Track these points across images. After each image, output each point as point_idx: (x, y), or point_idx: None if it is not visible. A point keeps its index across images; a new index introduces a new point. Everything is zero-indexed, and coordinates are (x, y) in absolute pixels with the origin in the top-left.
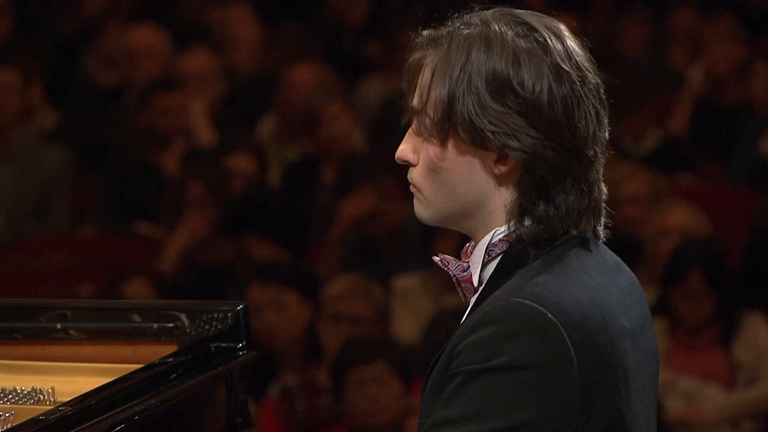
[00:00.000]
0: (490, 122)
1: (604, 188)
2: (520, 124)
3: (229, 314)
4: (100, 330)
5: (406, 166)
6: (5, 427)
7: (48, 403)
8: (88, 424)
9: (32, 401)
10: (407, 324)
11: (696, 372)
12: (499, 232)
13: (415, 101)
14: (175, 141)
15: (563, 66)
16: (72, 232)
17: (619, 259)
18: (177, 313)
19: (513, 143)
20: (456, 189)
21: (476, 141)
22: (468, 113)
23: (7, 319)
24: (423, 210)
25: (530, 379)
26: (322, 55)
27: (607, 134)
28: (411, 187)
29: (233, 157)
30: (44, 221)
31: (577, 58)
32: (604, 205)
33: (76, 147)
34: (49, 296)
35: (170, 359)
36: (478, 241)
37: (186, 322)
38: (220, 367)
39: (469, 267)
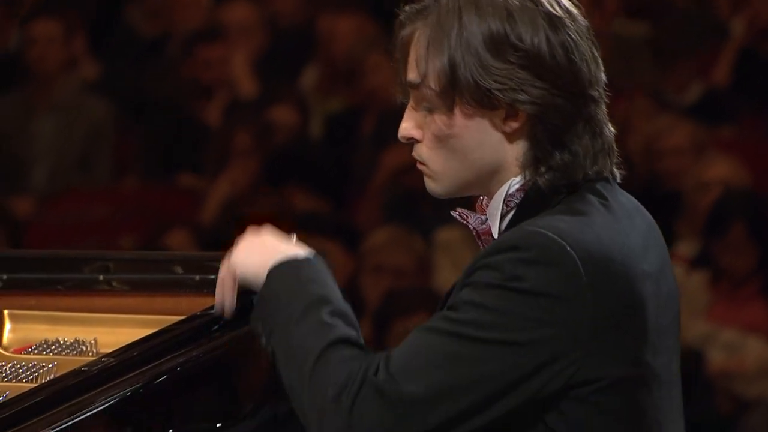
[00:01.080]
0: (495, 81)
1: (611, 128)
2: (525, 78)
3: None
4: (142, 282)
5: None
6: (48, 378)
7: (90, 354)
8: (131, 375)
9: (75, 352)
10: (449, 276)
11: (738, 324)
12: (516, 182)
13: (412, 76)
14: (217, 92)
15: (555, 13)
16: (114, 183)
17: (636, 201)
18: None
19: (522, 97)
20: (469, 155)
21: (484, 102)
22: (472, 76)
23: (50, 271)
24: (436, 185)
25: (542, 305)
26: (365, 5)
27: (603, 75)
28: (419, 164)
29: (275, 108)
30: (87, 173)
31: (565, 3)
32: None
33: (119, 98)
34: (92, 248)
35: (212, 311)
36: (494, 194)
37: None
38: None
39: (487, 219)
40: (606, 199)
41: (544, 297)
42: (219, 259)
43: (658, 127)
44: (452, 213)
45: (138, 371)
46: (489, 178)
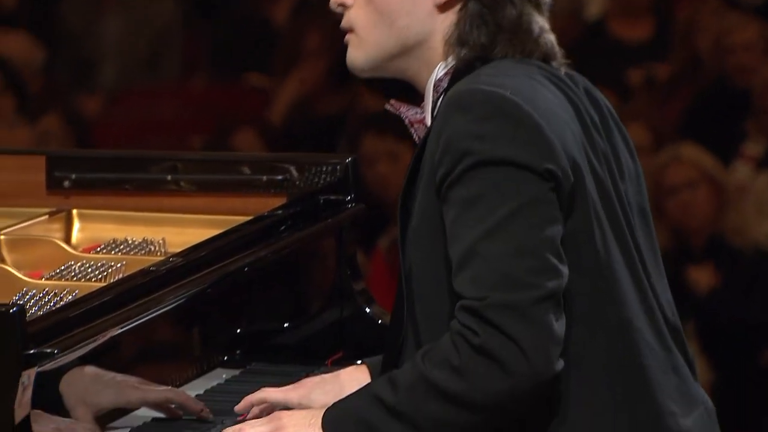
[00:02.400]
0: None
1: (551, 36)
2: None
3: (338, 167)
4: (209, 182)
5: None
6: (117, 278)
7: (159, 253)
8: (199, 275)
9: (143, 252)
10: None
11: None
12: (442, 67)
13: None
14: None
15: None
16: (182, 82)
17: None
18: (286, 166)
19: None
20: (396, 21)
21: None
22: None
23: (118, 170)
24: (359, 53)
25: (520, 157)
26: None
27: None
28: (347, 35)
29: None
30: (155, 72)
31: None
32: (557, 48)
33: None
34: (159, 147)
35: (279, 211)
36: (423, 84)
37: (295, 175)
38: (329, 220)
39: (422, 113)
40: (538, 71)
41: (511, 160)
42: (287, 160)
43: (727, 24)
44: (386, 106)
45: (206, 271)
46: (413, 53)
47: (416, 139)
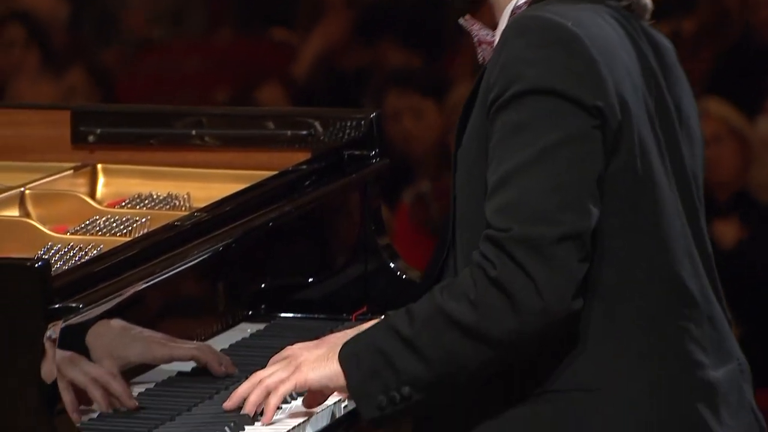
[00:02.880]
0: None
1: None
2: None
3: (362, 122)
4: (234, 137)
5: None
6: (141, 232)
7: (183, 208)
8: (224, 229)
9: (168, 206)
10: None
11: None
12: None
13: None
14: None
15: None
16: (207, 37)
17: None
18: (311, 120)
19: None
20: None
21: None
22: None
23: (143, 125)
24: None
25: (570, 91)
26: None
27: None
28: None
29: None
30: (180, 26)
31: None
32: None
33: None
34: (184, 101)
35: (304, 166)
36: (502, 8)
37: (320, 130)
38: (354, 175)
39: (493, 35)
40: (617, 18)
41: (564, 87)
42: (311, 115)
43: None
44: (459, 21)
45: (230, 226)
46: None
47: (481, 60)
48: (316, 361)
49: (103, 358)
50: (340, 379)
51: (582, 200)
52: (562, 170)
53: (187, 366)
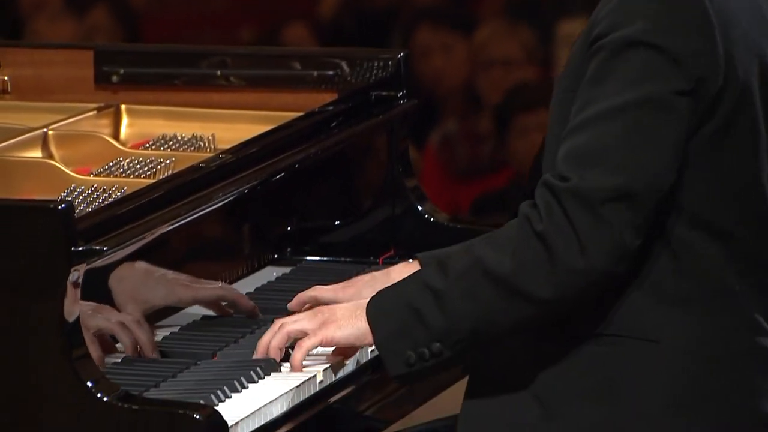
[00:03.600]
0: None
1: None
2: None
3: (390, 62)
4: (260, 77)
5: None
6: (166, 174)
7: (208, 150)
8: (249, 171)
9: (192, 148)
10: None
11: None
12: None
13: None
14: None
15: None
16: None
17: None
18: (337, 61)
19: None
20: None
21: None
22: None
23: (167, 65)
24: None
25: (673, 50)
26: None
27: None
28: None
29: None
30: None
31: None
32: None
33: None
34: (209, 41)
35: (330, 107)
36: None
37: (346, 70)
38: (381, 116)
39: None
40: None
41: (679, 36)
42: (338, 55)
43: None
44: None
45: (256, 168)
46: None
47: None
48: (344, 318)
49: (127, 302)
50: (368, 338)
51: (654, 164)
52: (641, 129)
53: (213, 310)
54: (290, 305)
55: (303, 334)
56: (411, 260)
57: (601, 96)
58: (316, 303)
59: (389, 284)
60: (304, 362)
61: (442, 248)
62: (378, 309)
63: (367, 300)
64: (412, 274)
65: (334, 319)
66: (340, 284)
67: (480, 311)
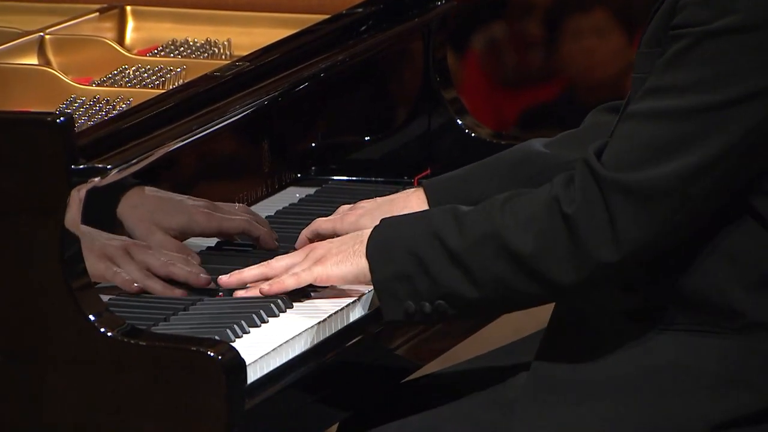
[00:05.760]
0: None
1: None
2: None
3: None
4: None
5: None
6: (176, 84)
7: (223, 57)
8: (268, 81)
9: (206, 55)
10: None
11: None
12: None
13: None
14: None
15: None
16: None
17: None
18: None
19: None
20: None
21: None
22: None
23: None
24: None
25: (763, 42)
26: None
27: None
28: None
29: None
30: None
31: None
32: None
33: None
34: None
35: (360, 9)
36: None
37: None
38: (416, 19)
39: None
40: None
41: (764, 30)
42: None
43: None
44: None
45: (277, 77)
46: None
47: None
48: (341, 254)
49: (138, 231)
50: (367, 277)
51: (723, 164)
52: (717, 126)
53: (215, 241)
54: (297, 244)
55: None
56: (416, 186)
57: (678, 84)
58: (318, 238)
59: (393, 215)
60: (318, 303)
61: (452, 177)
62: (380, 251)
63: (366, 234)
64: (421, 215)
65: (329, 255)
66: (339, 213)
67: (493, 283)
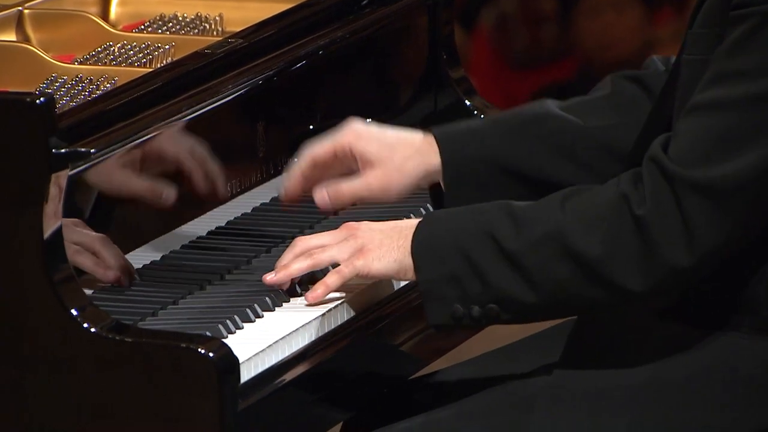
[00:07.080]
0: None
1: None
2: None
3: None
4: None
5: None
6: (165, 62)
7: (215, 33)
8: (263, 59)
9: (196, 31)
10: None
11: None
12: None
13: None
14: None
15: None
16: None
17: None
18: None
19: None
20: None
21: None
22: None
23: None
24: None
25: None
26: None
27: None
28: None
29: None
30: None
31: None
32: None
33: None
34: None
35: None
36: None
37: None
38: None
39: None
40: None
41: None
42: None
43: None
44: None
45: (272, 54)
46: None
47: None
48: (383, 247)
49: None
50: (409, 274)
51: None
52: None
53: (221, 222)
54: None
55: (333, 264)
56: (424, 133)
57: (741, 74)
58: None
59: (401, 158)
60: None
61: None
62: (427, 249)
63: (411, 228)
64: (470, 211)
65: (371, 248)
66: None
67: (552, 286)
